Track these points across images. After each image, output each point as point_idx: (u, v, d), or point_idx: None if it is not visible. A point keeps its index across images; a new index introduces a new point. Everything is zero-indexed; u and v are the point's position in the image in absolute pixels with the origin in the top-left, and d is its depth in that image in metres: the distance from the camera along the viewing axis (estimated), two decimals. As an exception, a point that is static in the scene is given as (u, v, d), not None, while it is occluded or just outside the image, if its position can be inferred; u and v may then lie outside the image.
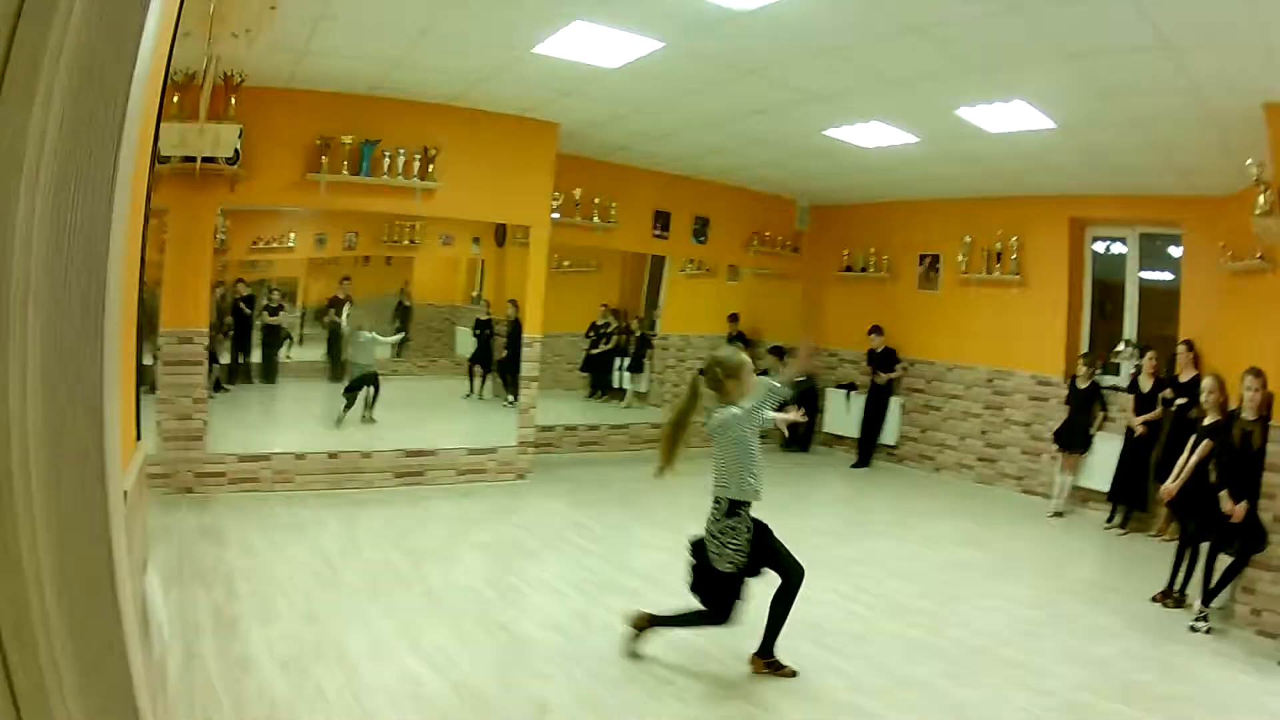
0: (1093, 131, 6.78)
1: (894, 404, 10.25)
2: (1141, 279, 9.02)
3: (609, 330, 10.40)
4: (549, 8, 5.08)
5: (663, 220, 10.19)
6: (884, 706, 3.89)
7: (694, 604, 4.14)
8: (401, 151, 7.22)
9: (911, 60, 5.57)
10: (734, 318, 11.00)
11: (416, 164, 7.29)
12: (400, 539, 5.83)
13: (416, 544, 5.74)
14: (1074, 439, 8.26)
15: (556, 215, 8.63)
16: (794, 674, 4.12)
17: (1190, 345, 7.74)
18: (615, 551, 5.97)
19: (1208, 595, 5.48)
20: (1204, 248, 7.94)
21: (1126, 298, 9.00)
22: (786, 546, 4.19)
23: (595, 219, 9.38)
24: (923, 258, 10.36)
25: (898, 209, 10.61)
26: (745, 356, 4.20)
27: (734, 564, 3.98)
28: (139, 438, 2.31)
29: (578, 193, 9.13)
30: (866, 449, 10.29)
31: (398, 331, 8.69)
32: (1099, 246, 9.34)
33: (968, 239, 9.69)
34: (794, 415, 5.30)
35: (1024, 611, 5.48)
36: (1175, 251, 8.71)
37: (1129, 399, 7.97)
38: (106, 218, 1.00)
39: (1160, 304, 8.80)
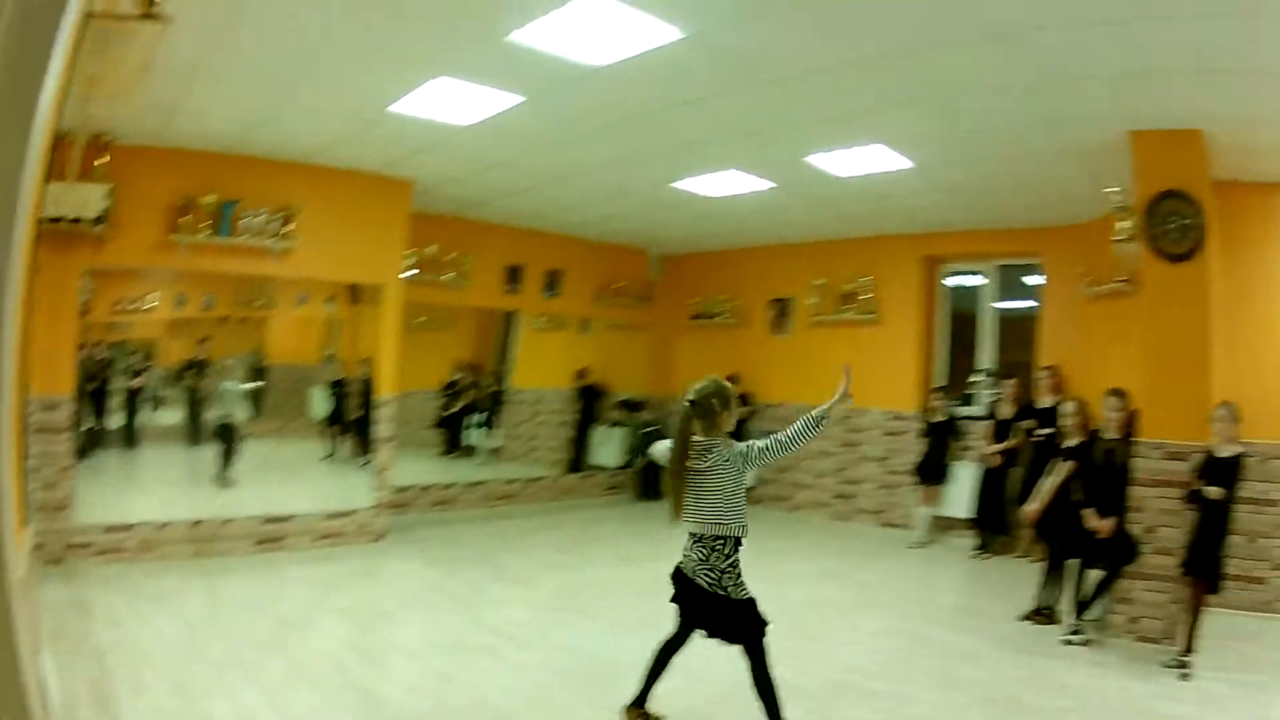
0: (950, 170, 7.15)
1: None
2: (1000, 309, 9.58)
3: (462, 387, 10.44)
4: (411, 65, 5.26)
5: (515, 275, 10.35)
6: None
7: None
8: (261, 212, 7.32)
9: (768, 111, 5.87)
10: (582, 373, 11.17)
11: (275, 224, 7.39)
12: (262, 606, 5.83)
13: (278, 611, 5.75)
14: (932, 471, 8.66)
15: (412, 273, 8.74)
16: None
17: (1052, 371, 8.20)
18: (473, 610, 6.01)
19: (1080, 608, 5.81)
20: (1063, 275, 8.57)
21: (984, 328, 9.55)
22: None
23: (448, 276, 9.49)
24: (774, 302, 10.81)
25: (749, 255, 11.07)
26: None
27: (747, 590, 3.98)
28: (27, 521, 2.32)
29: (431, 250, 9.27)
30: None
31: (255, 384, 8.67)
32: (958, 280, 9.89)
33: (819, 281, 10.16)
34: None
35: (888, 642, 5.67)
36: (1034, 280, 9.24)
37: (988, 427, 8.36)
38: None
39: (1019, 332, 9.32)
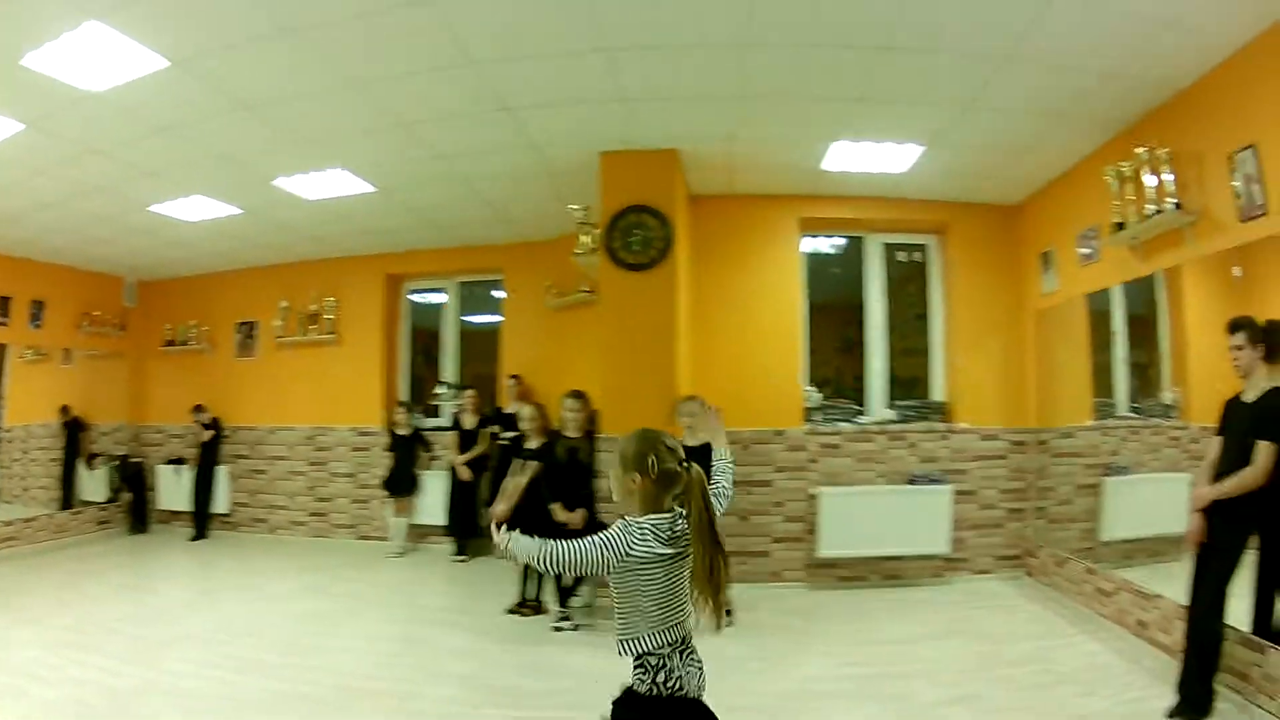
0: (416, 191, 7.35)
1: (221, 473, 10.17)
2: (464, 322, 9.94)
3: None
4: None
5: (3, 306, 9.34)
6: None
7: None
8: None
9: (238, 136, 5.88)
10: (65, 409, 10.16)
11: None
12: None
13: None
14: (401, 484, 8.85)
15: None
16: None
17: (517, 379, 8.73)
18: None
19: (564, 596, 6.10)
20: (525, 288, 9.11)
21: (447, 342, 9.89)
22: None
23: None
24: (241, 325, 10.44)
25: (217, 279, 10.57)
26: None
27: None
28: None
29: None
30: (201, 520, 10.10)
31: None
32: (422, 296, 10.16)
33: (284, 303, 9.96)
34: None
35: (381, 645, 5.77)
36: (499, 294, 9.62)
37: (453, 437, 8.67)
38: None
39: (484, 344, 9.74)
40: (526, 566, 6.04)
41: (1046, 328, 7.32)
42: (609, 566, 2.65)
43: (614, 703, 2.81)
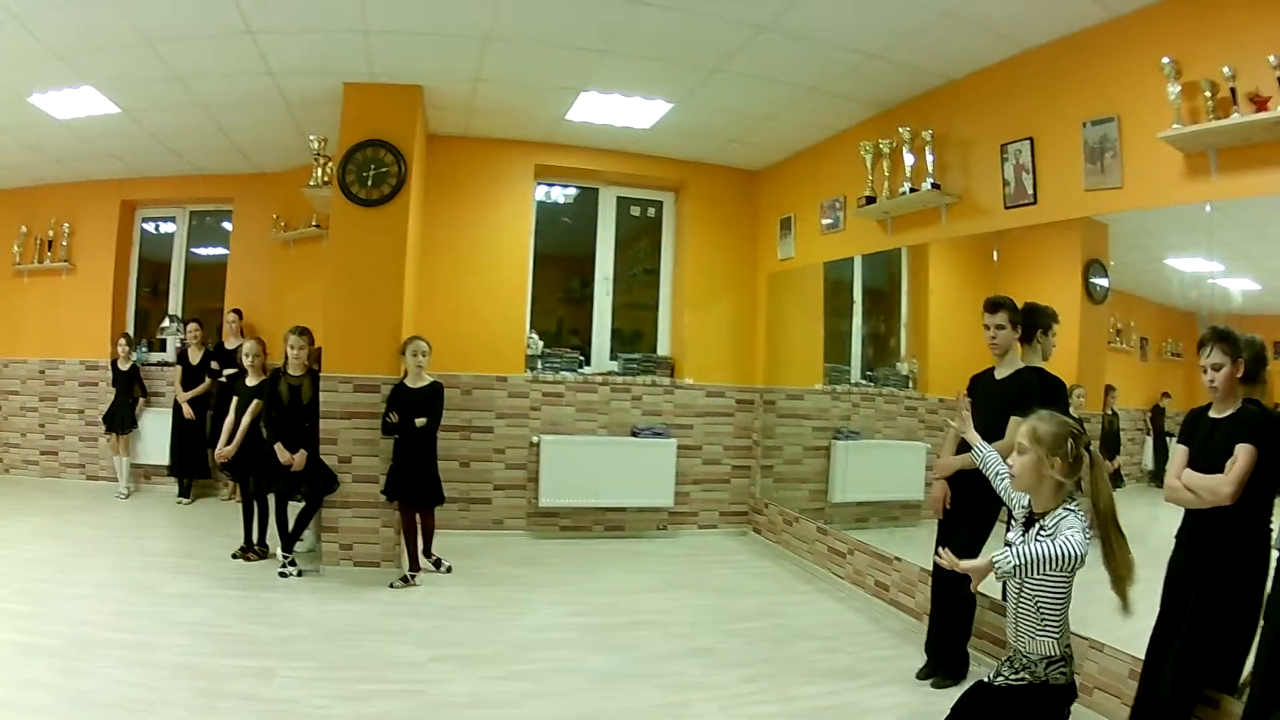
0: (157, 115, 6.98)
1: None
2: (193, 254, 9.58)
3: None
4: None
5: None
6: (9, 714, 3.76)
7: None
8: None
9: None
10: None
11: None
12: None
13: None
14: (121, 420, 8.43)
15: None
16: None
17: (239, 313, 8.44)
18: None
19: (287, 541, 5.92)
20: (255, 221, 8.84)
21: (176, 274, 9.54)
22: None
23: None
24: None
25: None
26: None
27: None
28: None
29: None
30: None
31: None
32: (153, 226, 9.70)
33: (23, 229, 9.39)
34: None
35: (114, 593, 5.52)
36: (229, 226, 9.30)
37: (177, 372, 8.36)
38: None
39: (212, 278, 9.40)
40: (249, 509, 6.38)
41: (779, 291, 7.48)
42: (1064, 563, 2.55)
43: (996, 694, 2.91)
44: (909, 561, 5.28)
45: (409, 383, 5.82)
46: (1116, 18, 4.14)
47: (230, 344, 8.21)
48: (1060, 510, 2.65)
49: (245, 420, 6.25)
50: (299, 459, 5.86)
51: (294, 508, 6.03)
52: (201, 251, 9.74)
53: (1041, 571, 2.50)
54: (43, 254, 9.33)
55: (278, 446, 5.89)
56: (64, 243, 9.30)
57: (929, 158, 5.28)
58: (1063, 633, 2.72)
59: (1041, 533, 2.66)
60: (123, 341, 8.65)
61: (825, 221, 6.64)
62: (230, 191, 9.11)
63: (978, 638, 4.43)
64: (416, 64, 5.82)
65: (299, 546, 6.09)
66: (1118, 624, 3.04)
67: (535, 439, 7.22)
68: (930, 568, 4.40)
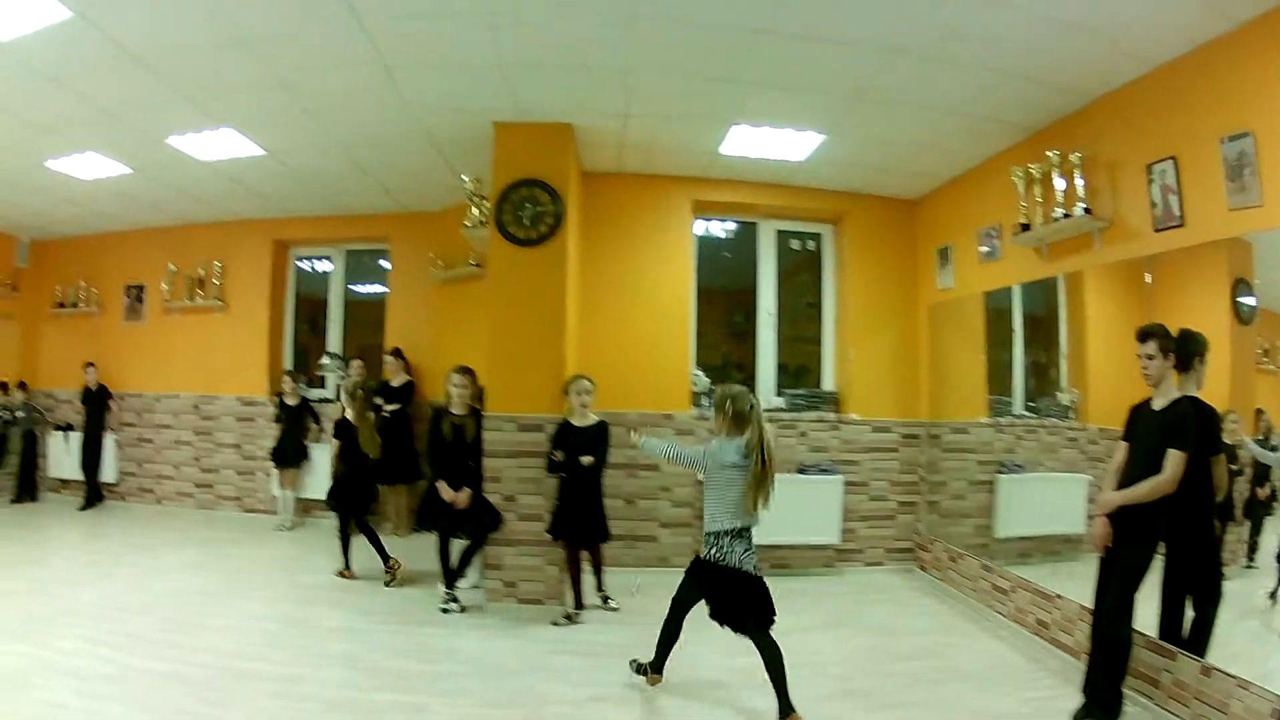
0: (301, 156, 7.09)
1: (109, 441, 9.83)
2: (351, 292, 9.67)
3: None
4: None
5: None
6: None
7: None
8: None
9: (131, 90, 5.64)
10: None
11: None
12: None
13: None
14: (289, 454, 8.54)
15: None
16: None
17: (398, 353, 8.48)
18: None
19: (450, 578, 5.96)
20: (411, 260, 8.91)
21: (333, 312, 9.64)
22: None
23: None
24: (130, 288, 10.06)
25: (109, 240, 10.19)
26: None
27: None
28: None
29: None
30: (91, 490, 9.81)
31: None
32: (308, 264, 9.86)
33: (172, 267, 9.59)
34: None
35: (264, 625, 5.60)
36: (386, 265, 9.40)
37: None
38: None
39: (370, 315, 9.49)
40: (346, 533, 6.77)
41: (940, 323, 7.21)
42: (703, 467, 4.30)
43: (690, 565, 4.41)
44: (1069, 599, 5.13)
45: (575, 421, 5.76)
46: (1240, 26, 4.02)
47: (394, 382, 8.36)
48: None
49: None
50: (463, 497, 5.86)
51: (458, 545, 6.15)
52: (359, 289, 9.84)
53: None
54: (193, 292, 9.55)
55: (441, 484, 5.91)
56: (215, 281, 9.49)
57: (1079, 182, 5.12)
58: None
59: None
60: (288, 378, 8.81)
61: (983, 250, 6.46)
62: (385, 231, 9.18)
63: (1133, 677, 4.30)
64: (563, 101, 5.79)
65: (461, 583, 6.12)
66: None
67: (701, 476, 7.04)
68: (1090, 605, 4.30)
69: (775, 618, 4.17)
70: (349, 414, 6.82)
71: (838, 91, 5.33)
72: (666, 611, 4.44)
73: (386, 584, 6.58)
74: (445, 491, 5.88)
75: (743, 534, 4.16)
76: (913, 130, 5.91)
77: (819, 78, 5.14)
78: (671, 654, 4.59)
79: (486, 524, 5.96)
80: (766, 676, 4.06)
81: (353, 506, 6.87)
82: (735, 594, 4.16)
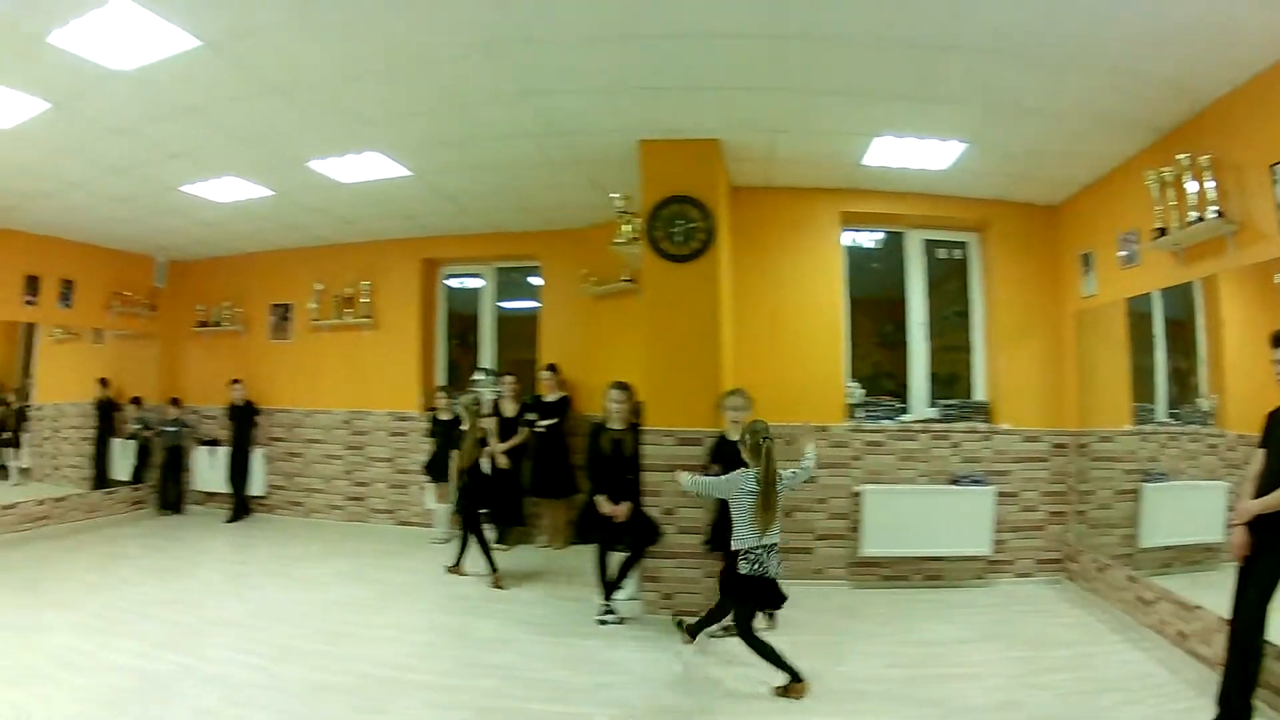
0: (447, 177, 7.54)
1: (257, 455, 10.55)
2: (501, 308, 10.23)
3: None
4: None
5: (33, 285, 9.77)
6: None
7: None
8: None
9: (270, 118, 6.00)
10: (104, 382, 10.65)
11: None
12: None
13: None
14: (444, 468, 8.55)
15: None
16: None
17: (554, 368, 8.93)
18: (26, 638, 5.79)
19: (607, 590, 6.22)
20: (562, 277, 9.48)
21: (484, 328, 10.19)
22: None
23: None
24: (275, 307, 10.82)
25: (251, 261, 10.95)
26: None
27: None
28: None
29: None
30: (238, 503, 10.47)
31: None
32: (459, 281, 10.46)
33: (319, 286, 10.32)
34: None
35: (418, 636, 5.91)
36: (536, 280, 9.87)
37: (493, 424, 8.54)
38: None
39: (521, 331, 10.02)
40: (467, 536, 7.54)
41: (1086, 330, 7.45)
42: (730, 494, 4.95)
43: (722, 579, 5.38)
44: (1208, 609, 5.22)
45: (731, 435, 5.88)
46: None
47: (549, 397, 8.80)
48: None
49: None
50: (622, 511, 6.16)
51: (616, 557, 6.41)
52: (508, 305, 10.40)
53: None
54: (341, 310, 10.25)
55: (600, 498, 6.21)
56: (364, 299, 10.17)
57: (1209, 184, 5.24)
58: None
59: None
60: (442, 394, 9.35)
61: (1122, 254, 6.62)
62: (534, 248, 9.73)
63: (1265, 688, 4.37)
64: (710, 119, 6.06)
65: (618, 594, 6.39)
66: None
67: (857, 488, 7.42)
68: (1228, 616, 4.31)
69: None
70: (464, 428, 7.49)
71: (977, 101, 5.58)
72: (749, 644, 4.96)
73: (490, 586, 7.31)
74: (604, 505, 6.20)
75: (773, 549, 4.91)
76: (1048, 137, 6.16)
77: (959, 88, 5.39)
78: (824, 667, 5.17)
79: (645, 537, 6.26)
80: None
81: (475, 511, 7.49)
82: (774, 595, 5.05)
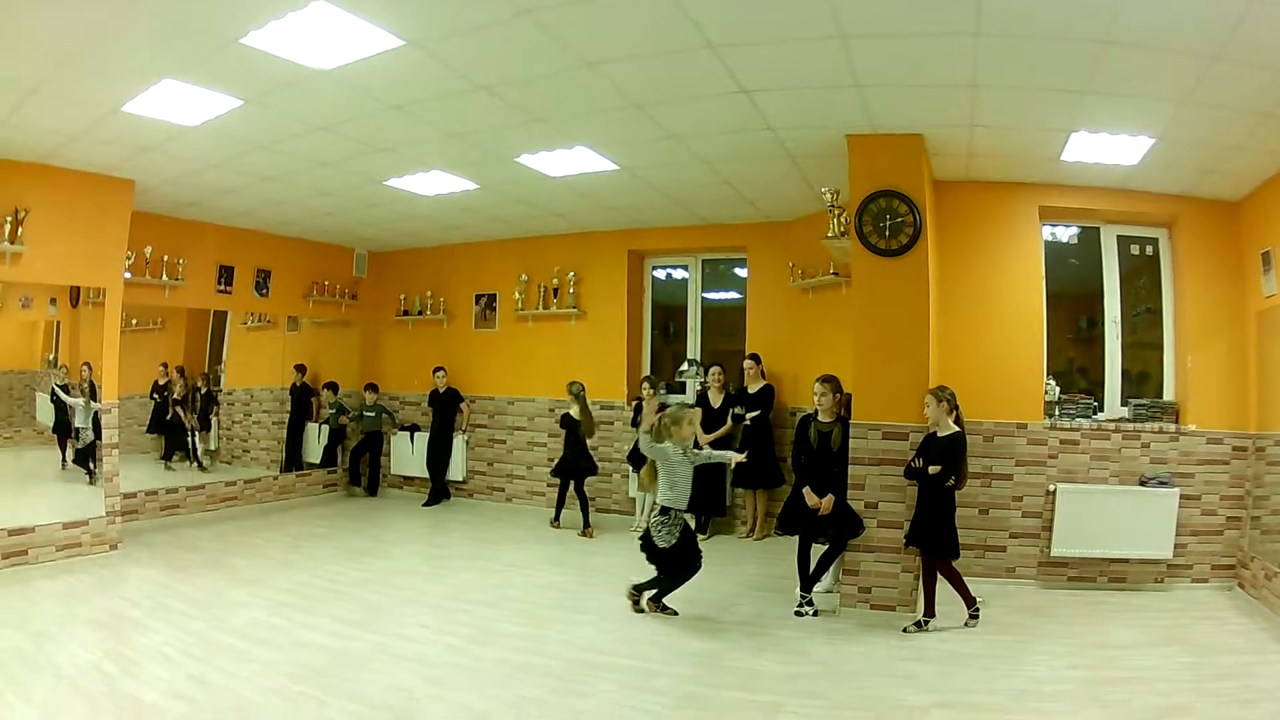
0: (656, 170, 8.36)
1: (458, 441, 12.44)
2: (705, 299, 11.66)
3: (177, 390, 11.41)
4: (140, 66, 5.73)
5: (227, 275, 11.65)
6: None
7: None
8: (-10, 215, 8.51)
9: (477, 114, 6.71)
10: (300, 368, 12.80)
11: (7, 227, 8.00)
12: (20, 621, 6.11)
13: (36, 625, 6.05)
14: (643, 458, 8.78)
15: (128, 275, 9.55)
16: (675, 613, 6.59)
17: (757, 358, 9.93)
18: (215, 613, 6.46)
19: (807, 582, 6.85)
20: (769, 270, 10.59)
21: (691, 318, 11.50)
22: (697, 549, 6.67)
23: (164, 277, 10.60)
24: (479, 297, 12.91)
25: (454, 252, 13.05)
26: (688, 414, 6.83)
27: (666, 543, 6.50)
28: None
29: (148, 250, 10.35)
30: (437, 487, 12.20)
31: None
32: (662, 272, 11.89)
33: (524, 277, 11.96)
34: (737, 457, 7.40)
35: (618, 621, 6.48)
36: (741, 272, 11.09)
37: (699, 414, 9.03)
38: None
39: (724, 321, 11.36)
40: (563, 498, 9.88)
41: (1266, 329, 7.76)
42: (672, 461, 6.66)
43: (643, 540, 6.64)
44: None
45: (938, 431, 6.50)
46: None
47: (752, 388, 9.91)
48: None
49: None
50: (826, 503, 6.85)
51: (818, 549, 7.00)
52: (712, 295, 11.92)
53: None
54: (548, 300, 11.85)
55: (806, 490, 6.95)
56: (570, 290, 11.69)
57: None
58: None
59: None
60: (647, 384, 10.36)
61: None
62: (742, 240, 11.18)
63: None
64: (912, 114, 6.66)
65: (818, 587, 7.03)
66: None
67: (1052, 487, 8.20)
68: None
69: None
70: (573, 411, 9.83)
71: (1166, 97, 5.92)
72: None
73: (580, 534, 9.53)
74: (810, 497, 6.91)
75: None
76: (1222, 133, 6.46)
77: (1150, 84, 5.72)
78: (1011, 667, 5.60)
79: (847, 530, 6.92)
80: None
81: (573, 477, 9.79)
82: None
